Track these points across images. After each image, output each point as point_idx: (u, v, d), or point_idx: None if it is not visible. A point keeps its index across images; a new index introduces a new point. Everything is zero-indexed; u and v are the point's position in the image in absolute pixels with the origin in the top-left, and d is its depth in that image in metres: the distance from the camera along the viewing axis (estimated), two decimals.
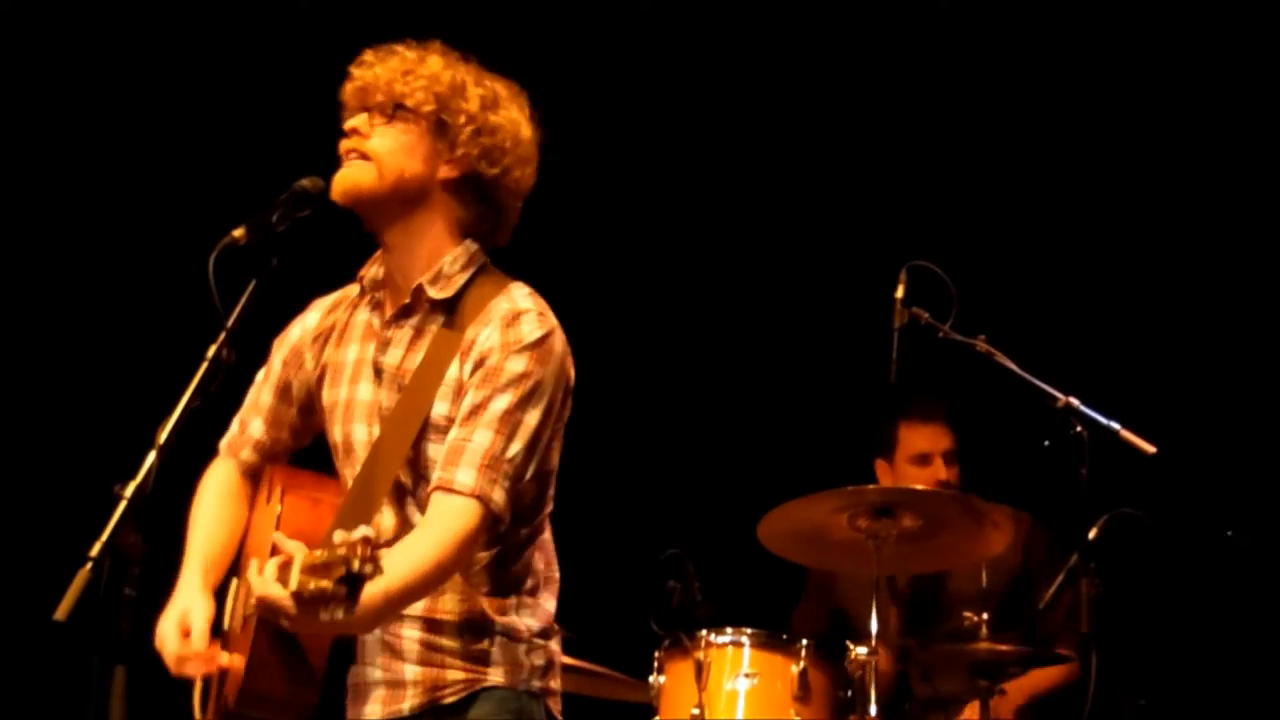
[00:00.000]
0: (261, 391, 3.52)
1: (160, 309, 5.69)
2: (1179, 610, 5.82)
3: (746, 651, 4.84)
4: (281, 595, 2.88)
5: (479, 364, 3.20)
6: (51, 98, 6.22)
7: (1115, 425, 4.72)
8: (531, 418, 3.19)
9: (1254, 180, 6.04)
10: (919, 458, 5.52)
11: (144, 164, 6.24)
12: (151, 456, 3.03)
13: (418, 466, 3.23)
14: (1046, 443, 4.75)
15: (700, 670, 4.77)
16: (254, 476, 3.55)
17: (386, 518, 3.25)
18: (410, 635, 3.23)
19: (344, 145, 3.31)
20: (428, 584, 3.11)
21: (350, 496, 3.23)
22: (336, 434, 3.37)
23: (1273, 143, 6.00)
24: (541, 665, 3.30)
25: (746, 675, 4.82)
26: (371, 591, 2.81)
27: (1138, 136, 6.13)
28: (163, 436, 3.06)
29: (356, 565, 2.72)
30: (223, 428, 3.56)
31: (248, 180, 4.19)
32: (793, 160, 6.39)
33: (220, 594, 3.44)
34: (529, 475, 3.20)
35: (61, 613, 2.88)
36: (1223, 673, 5.83)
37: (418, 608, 3.20)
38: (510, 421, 3.16)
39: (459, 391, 3.21)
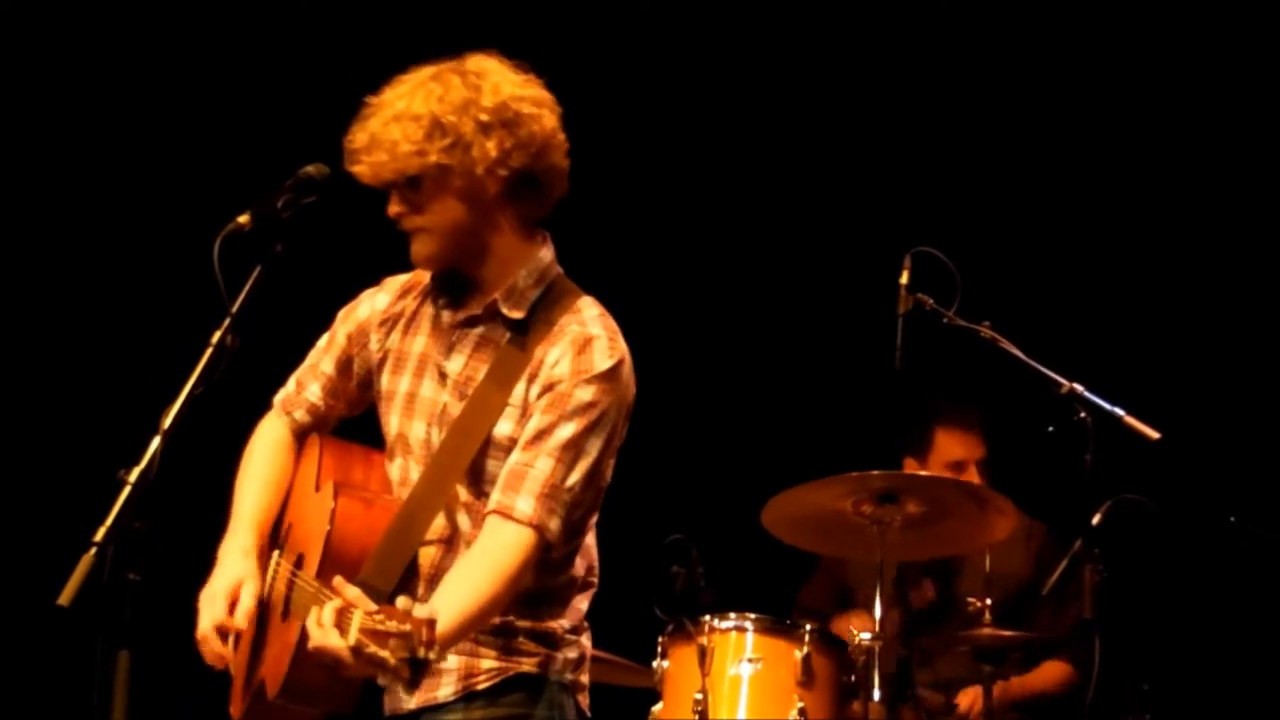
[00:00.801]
0: (323, 360, 3.52)
1: (165, 295, 5.69)
2: (1183, 596, 5.82)
3: (750, 637, 4.84)
4: (340, 647, 2.88)
5: (547, 388, 3.23)
6: (56, 84, 6.23)
7: (1119, 411, 4.71)
8: (593, 447, 3.22)
9: (1256, 166, 6.04)
10: (955, 465, 5.52)
11: (150, 150, 6.24)
12: (156, 442, 3.05)
13: (477, 481, 3.26)
14: (1051, 429, 4.75)
15: (704, 655, 4.78)
16: (303, 436, 3.56)
17: (439, 523, 3.28)
18: None
19: (402, 218, 3.29)
20: (484, 617, 3.15)
21: (406, 508, 3.26)
22: (393, 423, 3.38)
23: (1264, 132, 6.00)
24: (574, 658, 3.35)
25: (750, 660, 4.81)
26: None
27: (1141, 120, 6.13)
28: (167, 422, 3.07)
29: (421, 652, 2.75)
30: (227, 414, 3.47)
31: (253, 166, 4.20)
32: (798, 146, 6.39)
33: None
34: (584, 500, 3.25)
35: (65, 598, 2.89)
36: (1226, 658, 5.84)
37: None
38: (573, 450, 3.20)
39: (524, 412, 3.24)
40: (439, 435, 3.30)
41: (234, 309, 3.17)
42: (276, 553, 3.46)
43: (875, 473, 4.89)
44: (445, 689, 3.26)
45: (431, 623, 2.76)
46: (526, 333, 3.30)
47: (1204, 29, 6.01)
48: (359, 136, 3.24)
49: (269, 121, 6.04)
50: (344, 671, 2.93)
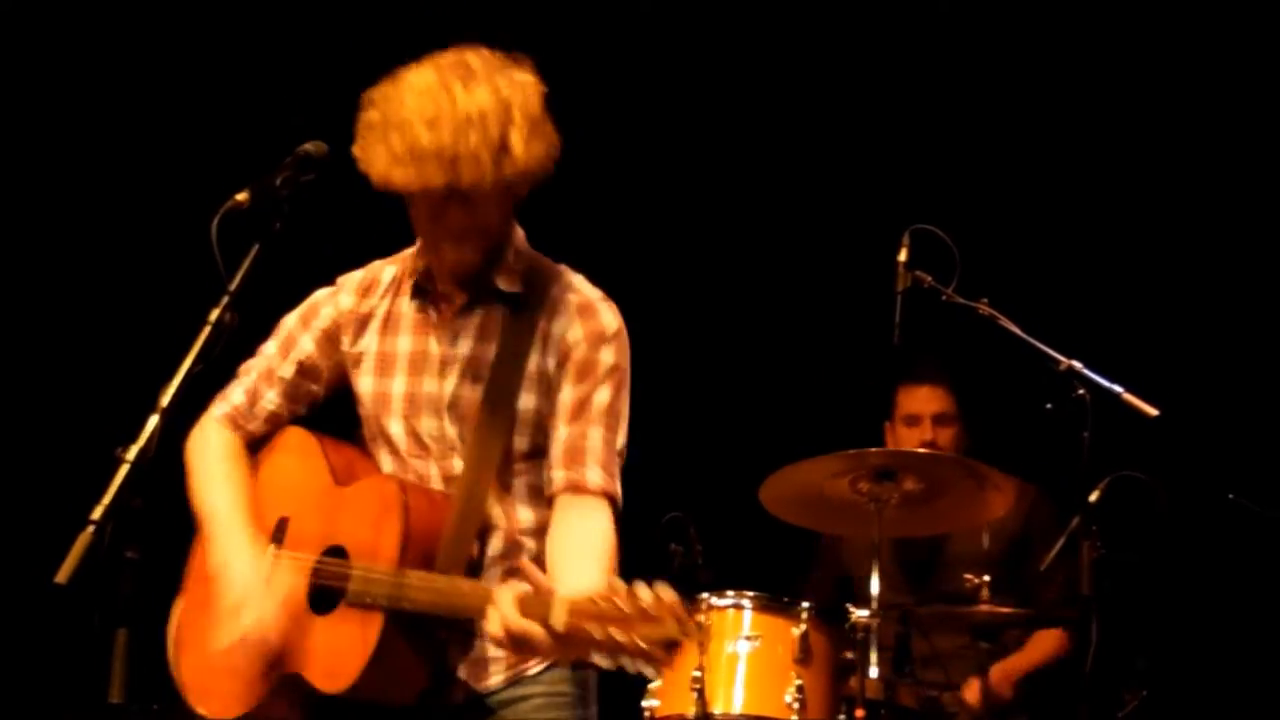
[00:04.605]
0: (280, 366, 3.50)
1: (163, 273, 5.69)
2: (1180, 573, 5.82)
3: (748, 614, 4.85)
4: (537, 631, 2.91)
5: (565, 356, 3.28)
6: (53, 64, 6.23)
7: (1118, 388, 4.71)
8: (625, 406, 3.32)
9: (1251, 144, 6.04)
10: (909, 418, 5.64)
11: (149, 128, 6.24)
12: (154, 420, 3.04)
13: (506, 458, 3.30)
14: (1049, 406, 4.74)
15: (702, 633, 4.77)
16: (256, 445, 3.54)
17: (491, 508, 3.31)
18: None
19: (456, 224, 3.24)
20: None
21: (461, 496, 3.27)
22: (394, 426, 3.38)
23: (1270, 106, 6.01)
24: None
25: (748, 638, 4.83)
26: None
27: (1137, 98, 6.14)
28: (165, 400, 3.07)
29: (681, 631, 2.80)
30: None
31: (250, 144, 4.20)
32: (797, 125, 6.39)
33: None
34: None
35: (63, 576, 2.88)
36: (1223, 635, 5.86)
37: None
38: (613, 414, 3.29)
39: (543, 383, 3.29)
40: (453, 426, 3.32)
41: (232, 287, 3.16)
42: (273, 546, 3.42)
43: (873, 450, 4.93)
44: (495, 677, 3.32)
45: (680, 603, 2.82)
46: (524, 306, 3.32)
47: (1197, 11, 6.00)
48: (426, 141, 3.12)
49: (267, 99, 6.04)
50: (544, 654, 3.05)
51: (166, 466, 3.10)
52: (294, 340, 3.51)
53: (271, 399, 3.51)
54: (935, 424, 5.61)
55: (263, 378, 3.52)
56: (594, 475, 3.24)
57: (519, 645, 2.98)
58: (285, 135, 3.39)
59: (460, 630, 3.27)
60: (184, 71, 6.23)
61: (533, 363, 3.30)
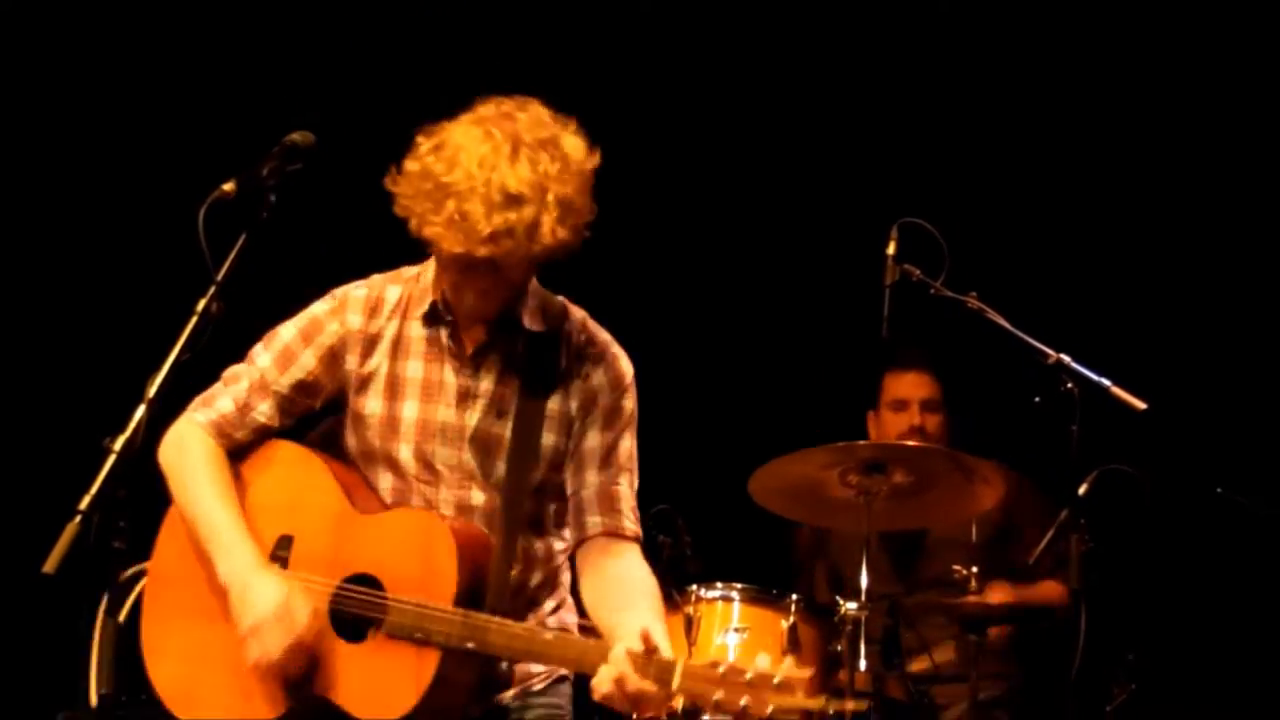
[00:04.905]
0: (278, 379, 3.50)
1: (150, 263, 5.69)
2: (1168, 566, 5.85)
3: (736, 606, 4.89)
4: (653, 690, 3.05)
5: (590, 401, 3.46)
6: (41, 55, 6.23)
7: (1106, 382, 4.72)
8: (636, 448, 3.55)
9: (1242, 138, 6.05)
10: (896, 404, 5.69)
11: (137, 118, 6.23)
12: (141, 410, 3.05)
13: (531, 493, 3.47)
14: (1037, 399, 4.75)
15: (690, 624, 4.83)
16: (238, 452, 3.53)
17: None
18: None
19: (485, 284, 3.31)
20: None
21: (502, 530, 3.37)
22: (403, 450, 3.44)
23: (1259, 97, 6.01)
24: None
25: (736, 629, 4.86)
26: None
27: (1126, 92, 6.15)
28: (152, 390, 3.07)
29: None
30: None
31: (237, 134, 4.21)
32: (786, 119, 6.40)
33: None
34: None
35: (50, 565, 2.89)
36: (1211, 629, 5.86)
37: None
38: (634, 459, 3.53)
39: (564, 423, 3.45)
40: (474, 458, 3.41)
41: (219, 277, 3.17)
42: (276, 566, 3.40)
43: (862, 443, 4.97)
44: (510, 691, 3.46)
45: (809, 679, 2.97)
46: (542, 344, 3.44)
47: (1184, 3, 6.02)
48: (482, 218, 3.18)
49: (254, 89, 6.03)
50: (642, 711, 3.17)
51: (153, 457, 3.16)
52: (293, 356, 3.51)
53: (264, 411, 3.51)
54: (923, 409, 5.66)
55: (255, 389, 3.51)
56: (629, 523, 3.47)
57: (635, 703, 3.11)
58: (272, 126, 3.39)
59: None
60: (171, 63, 6.22)
61: (554, 402, 3.44)
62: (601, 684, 3.09)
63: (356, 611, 3.31)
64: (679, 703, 3.07)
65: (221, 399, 3.52)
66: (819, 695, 2.97)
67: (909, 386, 5.69)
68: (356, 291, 3.52)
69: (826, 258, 6.09)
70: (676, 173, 6.41)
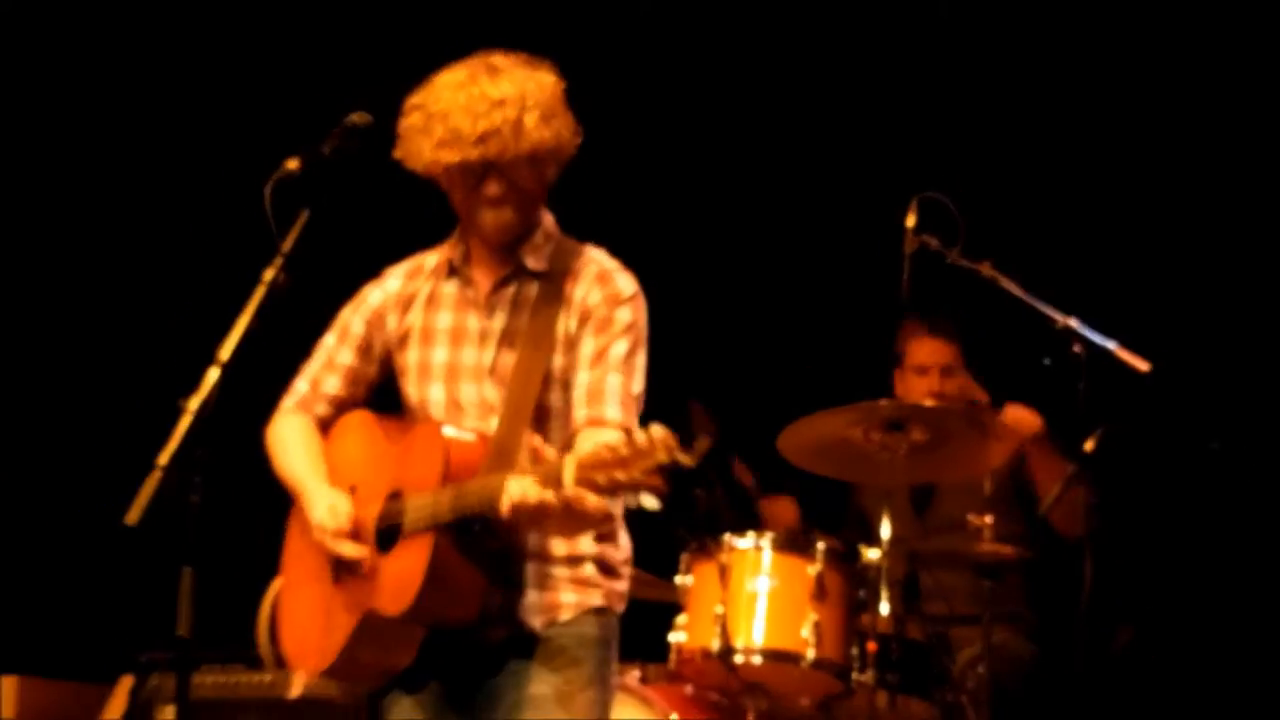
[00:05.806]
0: (339, 352, 3.75)
1: (222, 236, 5.76)
2: (1170, 517, 5.93)
3: (767, 554, 4.99)
4: (550, 498, 3.14)
5: (585, 316, 3.53)
6: (102, 36, 6.43)
7: (1111, 344, 4.87)
8: (641, 361, 3.55)
9: (1247, 107, 6.05)
10: (919, 369, 5.81)
11: (211, 100, 6.44)
12: (214, 373, 3.29)
13: (541, 414, 3.53)
14: (1047, 360, 4.89)
15: (723, 572, 4.96)
16: (325, 428, 3.78)
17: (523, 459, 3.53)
18: (531, 569, 3.53)
19: (491, 191, 3.52)
20: None
21: (497, 442, 3.46)
22: (435, 391, 3.63)
23: (1267, 65, 6.03)
24: (623, 592, 3.67)
25: (767, 576, 4.97)
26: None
27: (1137, 63, 6.14)
28: (224, 354, 3.31)
29: (673, 458, 2.99)
30: (277, 346, 3.63)
31: (299, 114, 4.36)
32: (811, 96, 6.46)
33: None
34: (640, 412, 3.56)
35: (133, 517, 3.11)
36: (1206, 571, 5.92)
37: (532, 548, 3.52)
38: (630, 364, 3.51)
39: (570, 344, 3.53)
40: (493, 390, 3.57)
41: (285, 248, 3.41)
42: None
43: (882, 402, 5.09)
44: (536, 620, 3.53)
45: (670, 434, 3.00)
46: (552, 280, 3.59)
47: None
48: (468, 124, 3.42)
49: (315, 72, 6.20)
50: (559, 525, 3.28)
51: (225, 419, 3.29)
52: (348, 328, 3.76)
53: (333, 384, 3.76)
54: (942, 374, 5.76)
55: (325, 367, 3.77)
56: (613, 411, 3.46)
57: (536, 517, 3.20)
58: (331, 108, 3.59)
59: (509, 544, 3.46)
60: (238, 46, 6.41)
61: (560, 327, 3.54)
62: (504, 508, 3.20)
63: (390, 523, 3.49)
64: (591, 500, 3.10)
65: (300, 382, 3.79)
66: (673, 448, 2.97)
67: (929, 353, 5.80)
68: (400, 265, 3.78)
69: (853, 228, 6.10)
70: (705, 145, 6.46)
